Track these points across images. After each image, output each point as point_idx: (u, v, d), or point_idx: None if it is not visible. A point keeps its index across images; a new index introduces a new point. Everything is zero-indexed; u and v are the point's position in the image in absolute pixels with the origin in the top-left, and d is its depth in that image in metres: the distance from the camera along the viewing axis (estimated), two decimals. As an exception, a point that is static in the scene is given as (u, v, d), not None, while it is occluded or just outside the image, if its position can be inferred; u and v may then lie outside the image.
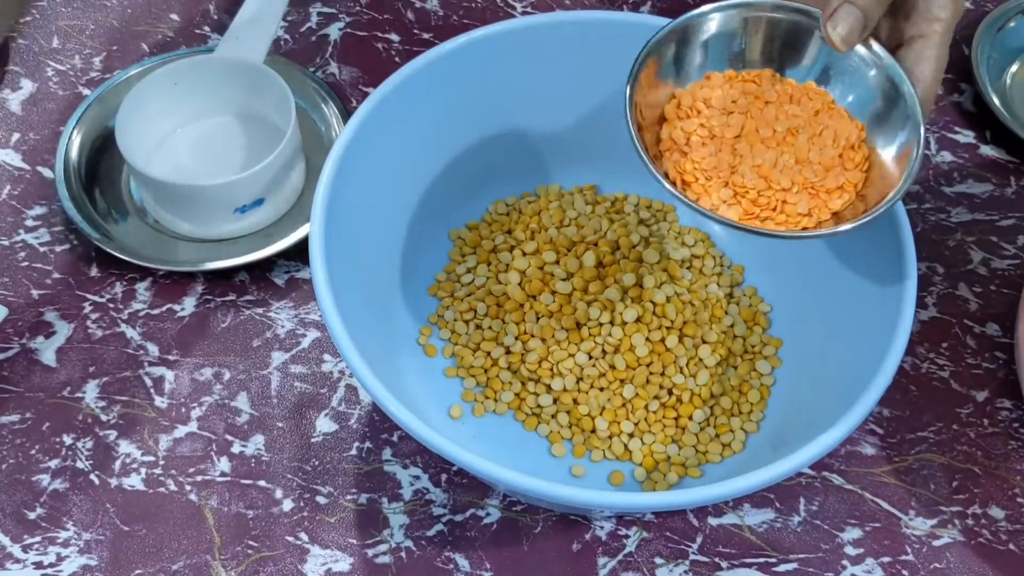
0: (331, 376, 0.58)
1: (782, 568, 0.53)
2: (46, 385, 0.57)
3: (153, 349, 0.58)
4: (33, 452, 0.55)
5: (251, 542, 0.53)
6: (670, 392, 0.55)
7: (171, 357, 0.58)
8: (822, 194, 0.46)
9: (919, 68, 0.45)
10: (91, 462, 0.55)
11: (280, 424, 0.56)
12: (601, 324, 0.56)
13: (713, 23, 0.48)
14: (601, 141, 0.57)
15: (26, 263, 0.61)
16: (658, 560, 0.53)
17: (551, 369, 0.55)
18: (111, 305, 0.60)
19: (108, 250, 0.59)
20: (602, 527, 0.54)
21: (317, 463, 0.55)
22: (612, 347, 0.55)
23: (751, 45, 0.48)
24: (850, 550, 0.53)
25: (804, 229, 0.46)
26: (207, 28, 0.71)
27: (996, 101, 0.67)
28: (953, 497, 0.55)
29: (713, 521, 0.54)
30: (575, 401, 0.55)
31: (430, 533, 0.53)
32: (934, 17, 0.45)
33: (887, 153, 0.47)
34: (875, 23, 0.45)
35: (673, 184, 0.46)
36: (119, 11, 0.72)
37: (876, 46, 0.46)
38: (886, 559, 0.53)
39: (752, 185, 0.46)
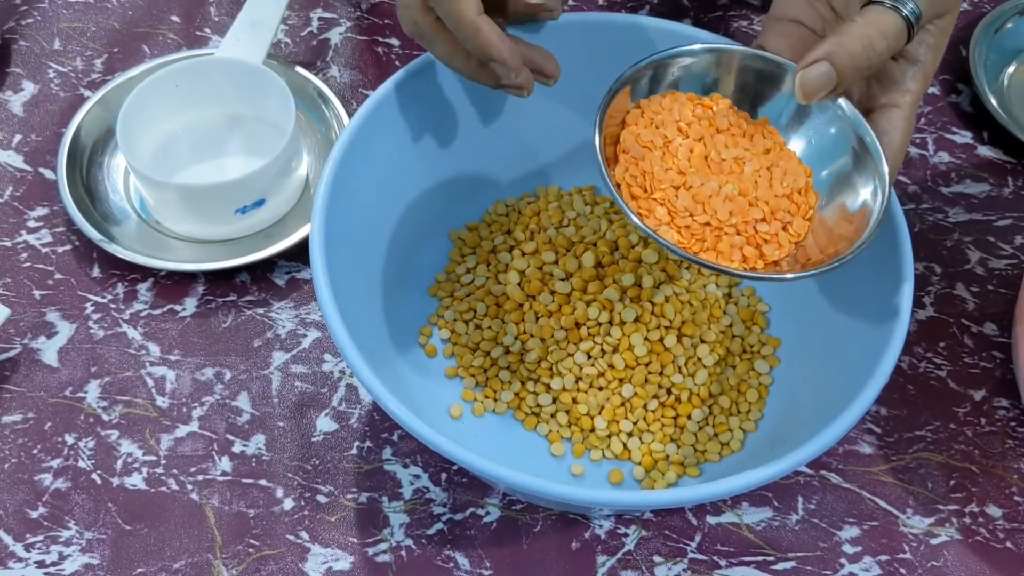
0: (331, 376, 0.58)
1: (780, 566, 0.53)
2: (48, 385, 0.57)
3: (154, 349, 0.59)
4: (35, 452, 0.55)
5: (252, 541, 0.53)
6: (669, 391, 0.55)
7: (172, 357, 0.58)
8: (760, 238, 0.46)
9: (888, 136, 0.45)
10: (93, 462, 0.55)
11: (281, 424, 0.56)
12: (600, 324, 0.56)
13: (689, 59, 0.48)
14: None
15: (28, 264, 0.61)
16: (657, 558, 0.53)
17: (550, 369, 0.55)
18: (112, 305, 0.60)
19: (109, 251, 0.60)
20: (601, 526, 0.54)
21: (318, 462, 0.55)
22: (611, 347, 0.55)
23: (722, 81, 0.48)
24: (848, 548, 0.54)
25: (751, 269, 0.45)
26: (208, 30, 0.72)
27: (993, 102, 0.68)
28: (951, 496, 0.55)
29: (712, 520, 0.54)
30: (574, 400, 0.55)
31: (430, 532, 0.53)
32: (907, 88, 0.46)
33: (836, 210, 0.47)
34: (848, 86, 0.44)
35: (618, 187, 0.46)
36: (120, 13, 0.72)
37: (845, 104, 0.46)
38: (884, 557, 0.53)
39: (685, 208, 0.46)
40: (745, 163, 0.47)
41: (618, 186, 0.47)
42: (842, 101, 0.46)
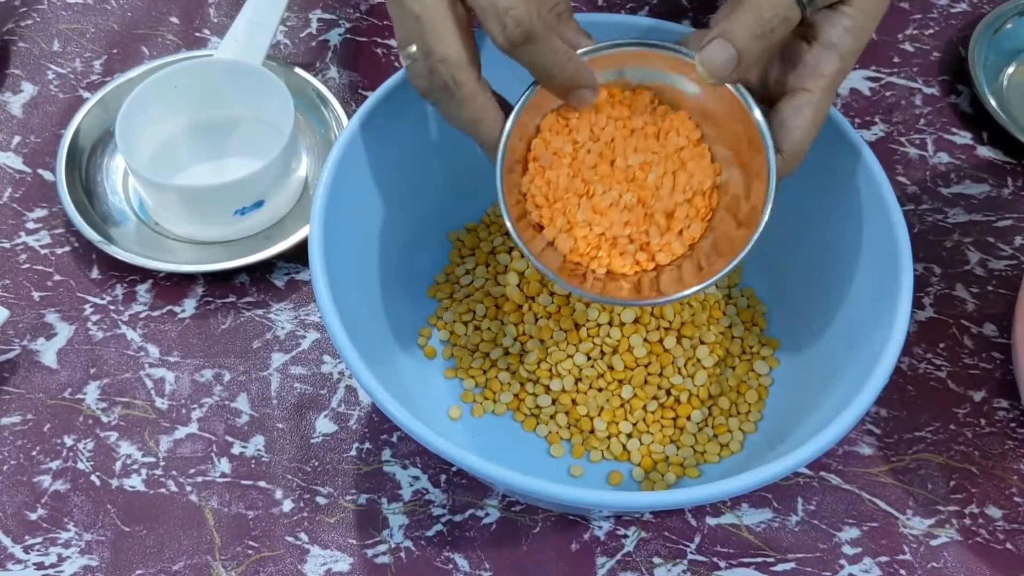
0: (331, 377, 0.58)
1: (780, 568, 0.53)
2: (47, 387, 0.57)
3: (153, 351, 0.59)
4: (34, 453, 0.55)
5: (251, 542, 0.53)
6: (668, 393, 0.55)
7: (171, 359, 0.58)
8: (653, 243, 0.47)
9: (792, 122, 0.45)
10: (92, 463, 0.55)
11: (280, 425, 0.56)
12: (599, 325, 0.56)
13: (614, 53, 0.47)
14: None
15: (27, 265, 0.61)
16: (656, 560, 0.53)
17: (550, 370, 0.55)
18: (112, 307, 0.60)
19: (109, 252, 0.60)
20: (600, 527, 0.54)
21: (317, 464, 0.55)
22: (610, 348, 0.55)
23: (643, 76, 0.48)
24: (848, 550, 0.54)
25: (642, 271, 0.47)
26: (207, 31, 0.72)
27: (993, 103, 0.68)
28: (950, 497, 0.55)
29: (711, 521, 0.54)
30: (574, 402, 0.55)
31: (429, 533, 0.53)
32: (819, 73, 0.45)
33: (737, 205, 0.47)
34: (751, 66, 0.44)
35: (524, 196, 0.48)
36: (119, 14, 0.72)
37: (750, 98, 0.45)
38: (884, 559, 0.53)
39: (584, 219, 0.47)
40: (651, 168, 0.47)
41: (524, 195, 0.48)
42: (748, 96, 0.45)
